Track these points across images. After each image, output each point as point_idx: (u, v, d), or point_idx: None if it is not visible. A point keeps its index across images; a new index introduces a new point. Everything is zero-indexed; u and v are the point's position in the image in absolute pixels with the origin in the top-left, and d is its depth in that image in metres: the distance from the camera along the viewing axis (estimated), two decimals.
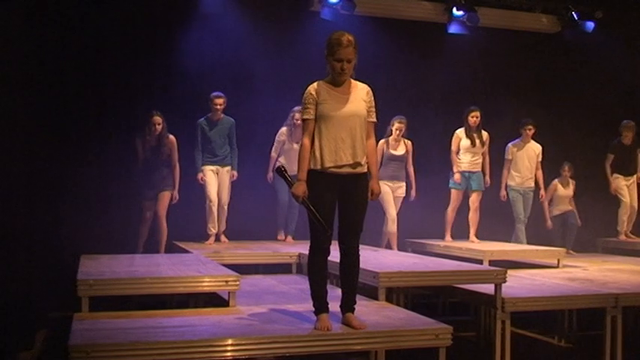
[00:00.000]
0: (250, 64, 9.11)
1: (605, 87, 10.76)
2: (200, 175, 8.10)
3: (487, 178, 8.86)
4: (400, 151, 8.55)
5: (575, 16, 10.59)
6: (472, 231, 8.82)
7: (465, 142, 8.68)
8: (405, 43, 9.95)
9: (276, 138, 8.42)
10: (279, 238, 8.59)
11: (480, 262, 7.41)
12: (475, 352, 6.74)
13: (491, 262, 7.34)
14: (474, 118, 8.64)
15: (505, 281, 5.41)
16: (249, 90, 9.00)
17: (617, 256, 9.18)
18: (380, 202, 8.28)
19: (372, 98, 4.55)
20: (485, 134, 8.77)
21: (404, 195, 8.62)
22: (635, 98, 10.70)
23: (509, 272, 5.66)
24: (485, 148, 8.80)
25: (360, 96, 4.47)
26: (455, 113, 9.56)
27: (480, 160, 8.78)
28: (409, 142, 8.62)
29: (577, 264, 8.13)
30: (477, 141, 8.67)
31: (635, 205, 9.70)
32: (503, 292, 5.40)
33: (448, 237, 8.88)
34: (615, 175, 9.69)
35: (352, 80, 4.50)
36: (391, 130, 8.49)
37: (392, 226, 8.41)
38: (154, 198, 7.94)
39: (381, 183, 8.13)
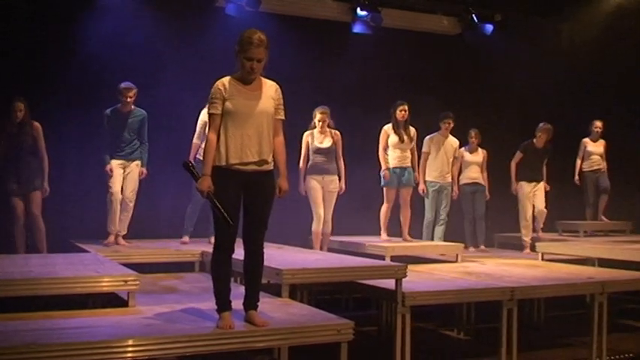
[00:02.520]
0: (154, 57, 8.97)
1: (504, 87, 11.14)
2: (109, 167, 7.54)
3: (416, 174, 8.75)
4: (326, 143, 8.09)
5: (475, 18, 10.92)
6: (405, 229, 8.69)
7: (394, 138, 8.49)
8: (310, 41, 10.01)
9: (198, 122, 7.79)
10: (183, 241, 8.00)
11: (383, 258, 7.54)
12: (377, 346, 6.86)
13: (393, 258, 7.48)
14: (402, 112, 8.45)
15: (405, 276, 5.50)
16: (153, 82, 8.78)
17: (513, 250, 9.47)
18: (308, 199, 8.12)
19: (281, 96, 4.56)
20: (412, 130, 8.62)
21: (337, 190, 8.17)
22: (533, 98, 11.11)
23: (410, 267, 5.78)
24: (414, 143, 8.68)
25: (268, 93, 4.47)
26: (359, 112, 9.70)
27: (410, 156, 8.62)
28: (337, 133, 8.19)
29: (475, 259, 8.37)
30: (405, 137, 8.50)
31: (543, 206, 9.40)
32: (404, 286, 5.48)
33: (384, 235, 8.64)
34: (520, 182, 9.43)
35: (261, 78, 4.50)
36: (314, 123, 8.12)
37: (317, 225, 8.07)
38: (23, 194, 7.42)
39: (309, 178, 8.05)
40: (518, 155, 9.52)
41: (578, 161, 10.53)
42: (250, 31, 4.39)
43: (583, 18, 11.72)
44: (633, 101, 10.73)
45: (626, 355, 6.81)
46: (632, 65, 10.69)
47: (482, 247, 9.39)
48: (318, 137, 8.13)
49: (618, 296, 7.98)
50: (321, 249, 8.09)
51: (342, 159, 8.22)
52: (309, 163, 8.14)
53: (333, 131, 8.18)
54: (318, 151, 8.11)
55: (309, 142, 8.14)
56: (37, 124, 7.49)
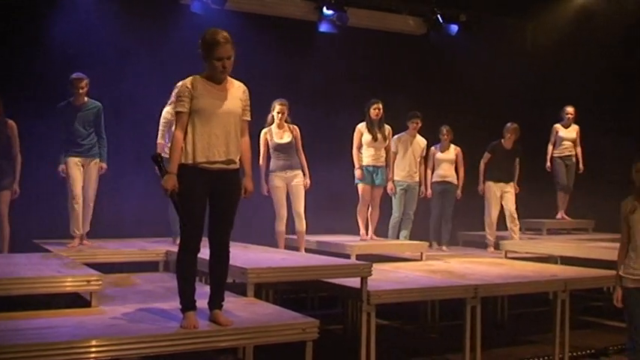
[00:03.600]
0: (121, 53, 8.94)
1: (470, 87, 11.22)
2: (61, 167, 7.27)
3: (390, 173, 8.72)
4: (286, 138, 7.86)
5: (440, 18, 11.00)
6: (371, 228, 8.62)
7: (367, 137, 8.39)
8: (276, 39, 9.99)
9: (161, 121, 7.43)
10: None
11: (348, 256, 7.56)
12: (342, 344, 6.88)
13: (359, 257, 7.50)
14: (376, 110, 8.36)
15: (370, 275, 5.51)
16: (120, 78, 8.75)
17: (477, 249, 9.55)
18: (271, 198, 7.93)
19: (248, 97, 4.56)
20: (387, 128, 8.55)
21: (303, 183, 7.93)
22: (498, 98, 11.22)
23: (375, 266, 5.78)
24: (388, 142, 8.58)
25: (236, 94, 4.47)
26: (325, 111, 9.70)
27: (384, 155, 8.54)
28: (295, 128, 7.95)
29: (439, 257, 8.43)
30: (379, 135, 8.41)
31: (514, 211, 9.31)
32: (369, 285, 5.50)
33: (364, 233, 8.55)
34: (488, 182, 9.36)
35: (229, 78, 4.49)
36: (272, 117, 7.88)
37: (280, 225, 7.88)
38: None
39: (273, 176, 7.83)
40: (487, 156, 9.45)
41: (550, 147, 10.38)
42: (212, 31, 4.37)
43: (547, 18, 11.89)
44: (597, 101, 10.83)
45: (588, 352, 6.92)
46: (597, 66, 10.79)
47: (444, 247, 9.35)
48: (277, 133, 7.91)
49: (582, 294, 8.11)
50: (295, 249, 7.93)
51: (302, 153, 8.03)
52: (271, 160, 7.93)
53: (291, 126, 7.97)
54: (278, 147, 7.89)
55: (268, 139, 7.91)
56: (11, 122, 7.26)
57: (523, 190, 9.61)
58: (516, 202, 9.42)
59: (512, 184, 9.44)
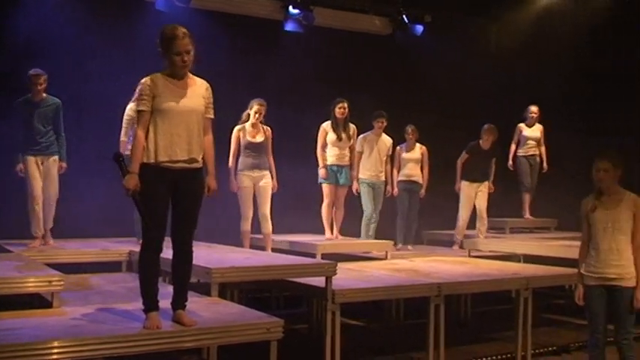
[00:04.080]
0: (84, 50, 8.87)
1: (435, 87, 11.29)
2: (19, 167, 7.18)
3: (354, 172, 8.69)
4: (259, 138, 7.84)
5: (405, 19, 11.06)
6: (336, 228, 8.60)
7: (332, 136, 8.41)
8: (242, 38, 9.97)
9: (125, 118, 7.29)
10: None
11: (314, 256, 7.56)
12: (307, 343, 6.89)
13: (324, 256, 7.50)
14: (341, 109, 8.37)
15: (335, 274, 5.52)
16: (83, 76, 8.68)
17: (442, 247, 9.62)
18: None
19: (211, 94, 4.52)
20: (352, 127, 8.55)
21: (270, 184, 7.92)
22: (462, 98, 11.32)
23: (340, 265, 5.77)
24: (353, 141, 8.59)
25: (199, 92, 4.43)
26: (291, 110, 9.68)
27: (348, 154, 8.55)
28: (268, 129, 7.94)
29: (404, 256, 8.46)
30: (344, 135, 8.43)
31: (484, 211, 9.44)
32: (334, 284, 5.51)
33: (329, 233, 8.57)
34: (463, 181, 9.41)
35: (192, 75, 4.45)
36: (248, 115, 7.83)
37: (245, 224, 7.83)
38: None
39: (241, 175, 7.78)
40: (464, 156, 9.47)
41: (513, 146, 10.42)
42: (170, 27, 4.33)
43: (511, 19, 12.02)
44: (565, 102, 10.90)
45: (550, 349, 7.02)
46: (565, 67, 10.89)
47: (410, 247, 9.31)
48: (251, 132, 7.87)
49: (544, 291, 8.22)
50: (262, 248, 7.86)
51: (271, 156, 8.03)
52: (240, 159, 7.88)
53: (265, 127, 7.97)
54: (250, 146, 7.84)
55: (241, 137, 7.86)
56: None
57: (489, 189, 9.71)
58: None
59: (486, 183, 9.48)
